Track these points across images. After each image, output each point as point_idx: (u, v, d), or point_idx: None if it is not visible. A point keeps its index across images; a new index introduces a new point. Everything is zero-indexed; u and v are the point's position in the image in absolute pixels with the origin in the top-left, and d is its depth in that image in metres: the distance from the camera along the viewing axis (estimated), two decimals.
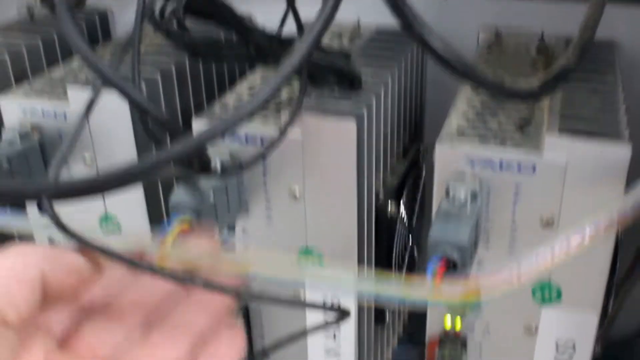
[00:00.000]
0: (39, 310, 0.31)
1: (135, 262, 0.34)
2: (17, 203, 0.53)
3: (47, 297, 0.31)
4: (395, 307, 0.66)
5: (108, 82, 0.39)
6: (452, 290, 0.41)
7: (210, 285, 0.35)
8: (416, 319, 0.76)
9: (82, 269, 0.33)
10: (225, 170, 0.50)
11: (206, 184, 0.49)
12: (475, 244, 0.46)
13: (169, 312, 0.35)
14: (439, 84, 0.72)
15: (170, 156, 0.36)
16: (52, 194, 0.37)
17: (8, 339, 0.29)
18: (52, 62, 0.67)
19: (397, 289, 0.41)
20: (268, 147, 0.49)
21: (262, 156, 0.49)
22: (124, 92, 0.39)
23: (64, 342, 0.33)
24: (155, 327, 0.34)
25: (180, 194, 0.49)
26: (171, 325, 0.34)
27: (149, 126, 0.46)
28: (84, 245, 0.33)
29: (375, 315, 0.62)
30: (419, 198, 0.65)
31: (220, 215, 0.51)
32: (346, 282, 0.42)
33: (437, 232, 0.44)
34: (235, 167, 0.50)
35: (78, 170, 0.57)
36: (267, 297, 0.39)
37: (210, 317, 0.35)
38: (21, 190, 0.37)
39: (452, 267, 0.44)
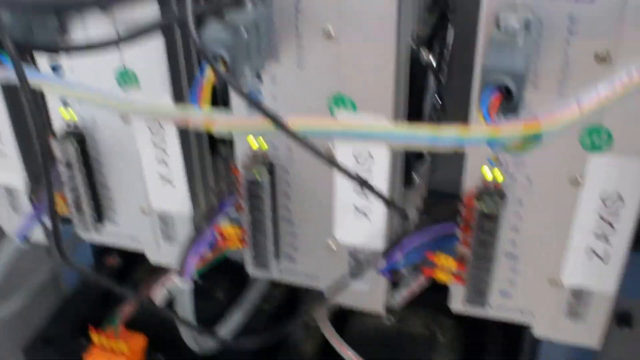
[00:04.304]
0: None
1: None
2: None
3: None
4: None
5: None
6: (509, 124, 0.38)
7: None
8: None
9: None
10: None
11: (237, 18, 0.46)
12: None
13: None
14: None
15: None
16: None
17: None
18: None
19: (452, 132, 0.38)
20: None
21: None
22: None
23: None
24: None
25: (213, 29, 0.45)
26: None
27: None
28: None
29: (404, 178, 0.60)
30: (446, 54, 0.62)
31: (253, 55, 0.47)
32: (400, 129, 0.39)
33: (491, 59, 0.41)
34: None
35: None
36: None
37: None
38: None
39: (506, 99, 0.41)
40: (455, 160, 0.53)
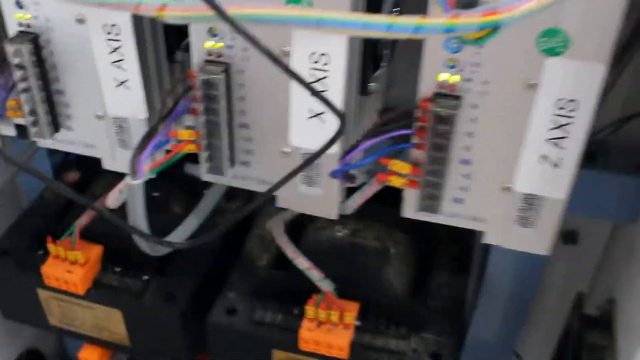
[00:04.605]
0: None
1: None
2: None
3: None
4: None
5: None
6: (467, 13, 0.38)
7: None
8: None
9: None
10: None
11: None
12: None
13: None
14: None
15: None
16: None
17: None
18: None
19: (411, 19, 0.38)
20: None
21: None
22: None
23: None
24: None
25: None
26: None
27: None
28: None
29: (361, 86, 0.59)
30: None
31: None
32: (356, 16, 0.39)
33: None
34: None
35: None
36: None
37: None
38: None
39: None
40: (412, 76, 0.53)
